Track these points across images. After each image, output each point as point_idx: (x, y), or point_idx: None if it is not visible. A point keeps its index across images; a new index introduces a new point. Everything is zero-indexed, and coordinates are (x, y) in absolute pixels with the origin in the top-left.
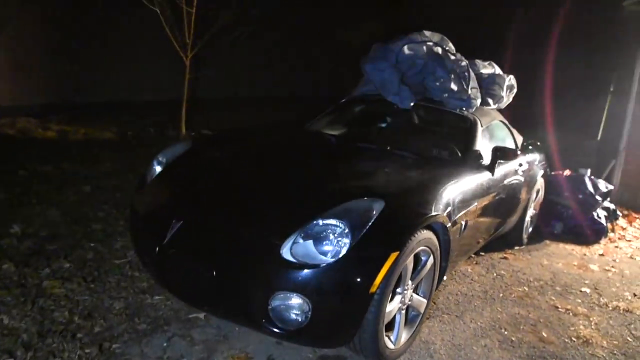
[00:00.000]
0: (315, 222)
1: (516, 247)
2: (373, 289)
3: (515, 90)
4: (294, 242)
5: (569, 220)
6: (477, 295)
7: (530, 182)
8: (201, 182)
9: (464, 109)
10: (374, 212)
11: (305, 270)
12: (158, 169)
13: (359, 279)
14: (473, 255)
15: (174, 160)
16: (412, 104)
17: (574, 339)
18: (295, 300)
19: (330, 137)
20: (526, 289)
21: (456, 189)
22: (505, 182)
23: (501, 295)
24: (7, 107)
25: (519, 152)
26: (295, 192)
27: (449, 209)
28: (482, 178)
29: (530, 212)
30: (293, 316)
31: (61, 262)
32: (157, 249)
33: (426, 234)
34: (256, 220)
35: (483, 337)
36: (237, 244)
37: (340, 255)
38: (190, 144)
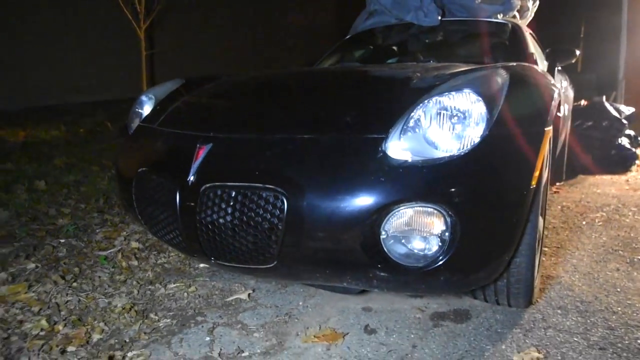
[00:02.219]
0: (426, 100)
1: (557, 183)
2: (534, 182)
3: (537, 4)
4: (402, 132)
5: (596, 151)
6: (559, 226)
7: (568, 103)
8: (221, 103)
9: (501, 15)
10: (501, 81)
11: (432, 169)
12: (148, 108)
13: (515, 166)
14: None
15: (168, 96)
16: (439, 17)
17: None
18: (424, 217)
19: (352, 64)
20: (604, 213)
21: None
22: (562, 95)
23: (584, 222)
24: None
25: (577, 52)
26: (366, 83)
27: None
28: None
29: (567, 141)
30: (423, 243)
31: (22, 263)
32: (178, 191)
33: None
34: (332, 117)
35: (606, 261)
36: (313, 153)
37: (479, 138)
38: (182, 81)
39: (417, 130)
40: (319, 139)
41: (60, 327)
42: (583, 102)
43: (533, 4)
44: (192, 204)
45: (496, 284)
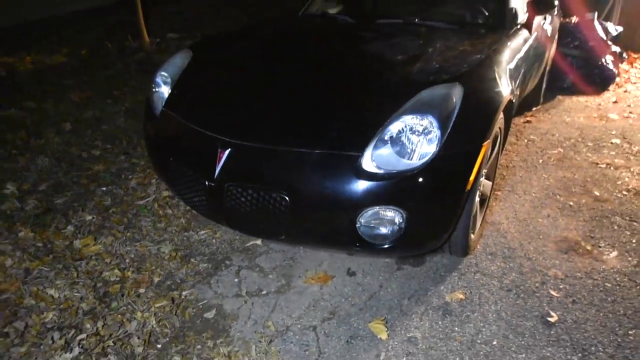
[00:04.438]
0: (393, 122)
1: (534, 108)
2: (469, 186)
3: None
4: (373, 150)
5: (579, 71)
6: (518, 165)
7: (552, 35)
8: (232, 97)
9: None
10: (455, 100)
11: (394, 180)
12: (166, 89)
13: (455, 179)
14: None
15: (181, 76)
16: None
17: (624, 192)
18: (387, 213)
19: (342, 18)
20: (561, 150)
21: (508, 59)
22: (538, 39)
23: (540, 161)
24: None
25: (556, 2)
26: (349, 91)
27: (511, 83)
28: (522, 39)
29: (547, 68)
30: (385, 230)
31: (80, 215)
32: (207, 184)
33: (500, 116)
34: (321, 133)
35: (543, 207)
36: (308, 165)
37: (431, 156)
38: (190, 53)
39: (383, 150)
40: (311, 153)
41: (129, 274)
42: (574, 19)
43: None
44: (219, 194)
45: None
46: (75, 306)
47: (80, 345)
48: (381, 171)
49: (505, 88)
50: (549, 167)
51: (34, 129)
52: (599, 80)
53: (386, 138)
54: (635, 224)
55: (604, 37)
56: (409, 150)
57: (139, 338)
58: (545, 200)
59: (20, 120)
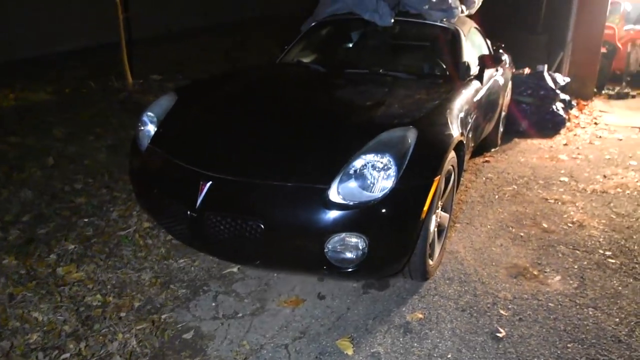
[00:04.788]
0: (356, 159)
1: (492, 150)
2: (423, 215)
3: None
4: (339, 184)
5: (533, 116)
6: (476, 200)
7: (505, 85)
8: (213, 136)
9: (445, 19)
10: (410, 141)
11: (357, 210)
12: (152, 127)
13: (410, 209)
14: None
15: (166, 116)
16: (392, 20)
17: (569, 224)
18: (351, 239)
19: (315, 67)
20: (515, 187)
21: (460, 106)
22: (490, 88)
23: (496, 197)
24: None
25: (504, 58)
26: (318, 131)
27: (462, 127)
28: (474, 89)
29: (503, 114)
30: (350, 255)
31: (63, 244)
32: (189, 214)
33: (452, 154)
34: (293, 167)
35: (497, 237)
36: (281, 196)
37: (389, 189)
38: (175, 96)
39: (348, 184)
40: (284, 185)
41: (111, 299)
42: (526, 70)
43: None
44: (199, 223)
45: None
46: (58, 328)
47: None
48: (346, 202)
49: (456, 131)
50: (504, 202)
51: (17, 163)
52: (551, 125)
53: (351, 172)
54: (577, 251)
55: (553, 87)
56: (370, 184)
57: (120, 357)
58: (499, 231)
59: (3, 155)
